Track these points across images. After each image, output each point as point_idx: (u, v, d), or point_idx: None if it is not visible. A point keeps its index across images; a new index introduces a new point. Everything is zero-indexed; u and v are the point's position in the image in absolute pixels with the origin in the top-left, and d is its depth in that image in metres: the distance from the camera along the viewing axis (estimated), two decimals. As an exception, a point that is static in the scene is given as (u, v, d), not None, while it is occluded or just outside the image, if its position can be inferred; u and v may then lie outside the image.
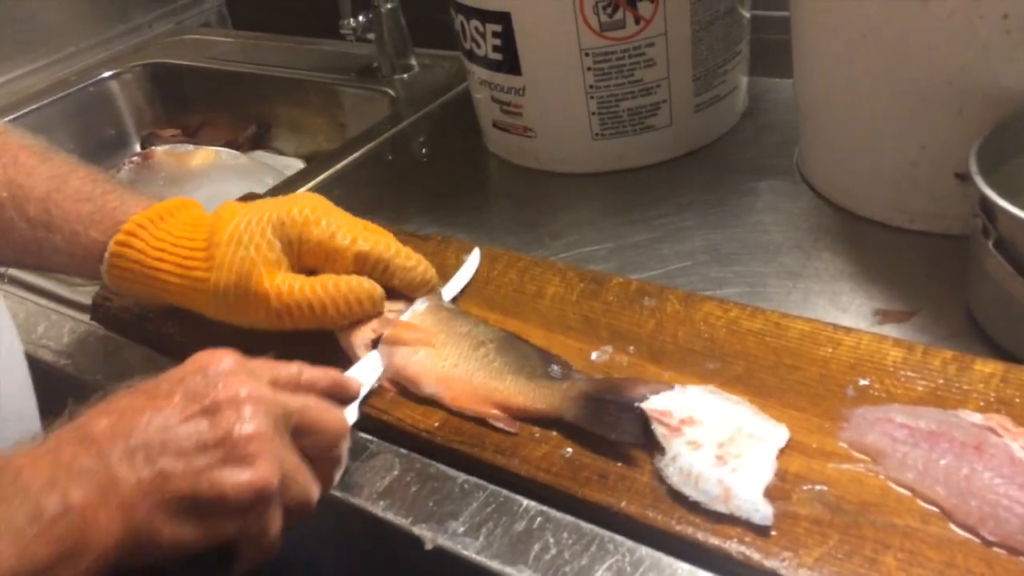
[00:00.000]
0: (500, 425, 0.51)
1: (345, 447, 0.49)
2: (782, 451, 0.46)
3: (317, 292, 0.55)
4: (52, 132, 1.20)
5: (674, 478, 0.45)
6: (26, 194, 0.58)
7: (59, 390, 0.70)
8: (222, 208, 0.58)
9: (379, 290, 0.57)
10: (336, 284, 0.55)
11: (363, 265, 0.56)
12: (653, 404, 0.48)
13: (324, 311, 0.55)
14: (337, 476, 0.49)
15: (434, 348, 0.55)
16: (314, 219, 0.56)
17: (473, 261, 0.65)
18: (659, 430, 0.48)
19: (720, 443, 0.46)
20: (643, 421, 0.48)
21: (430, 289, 0.59)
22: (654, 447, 0.47)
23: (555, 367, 0.54)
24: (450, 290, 0.62)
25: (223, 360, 0.44)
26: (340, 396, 0.50)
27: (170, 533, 0.40)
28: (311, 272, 0.57)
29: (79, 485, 0.38)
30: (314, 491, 0.45)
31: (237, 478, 0.41)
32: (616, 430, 0.48)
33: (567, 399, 0.50)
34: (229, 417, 0.42)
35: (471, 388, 0.53)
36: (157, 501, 0.40)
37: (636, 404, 0.48)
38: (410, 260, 0.58)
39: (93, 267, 0.58)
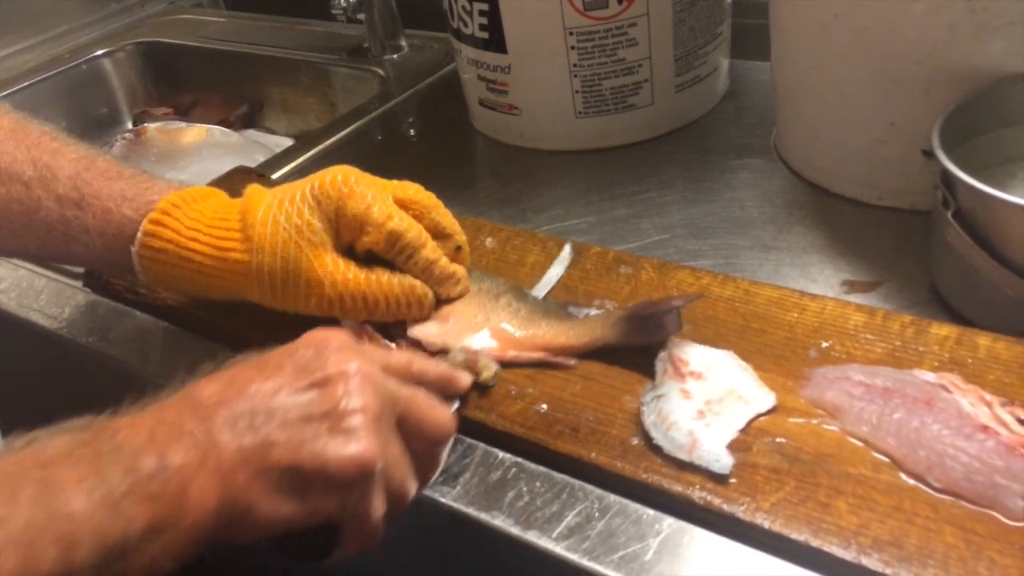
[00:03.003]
0: (560, 361, 0.53)
1: (446, 448, 0.47)
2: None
3: (372, 286, 0.54)
4: (45, 109, 1.21)
5: (649, 417, 0.48)
6: (54, 173, 0.56)
7: (56, 355, 0.72)
8: (250, 189, 0.57)
9: (431, 295, 0.56)
10: (390, 281, 0.54)
11: (393, 245, 0.54)
12: (677, 348, 0.52)
13: (376, 305, 0.54)
14: (432, 478, 0.47)
15: (457, 313, 0.56)
16: (348, 191, 0.54)
17: (563, 260, 0.63)
18: (663, 366, 0.51)
19: (708, 400, 0.49)
20: (680, 316, 0.52)
21: (455, 283, 0.57)
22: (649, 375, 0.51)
23: (572, 307, 0.57)
24: (540, 290, 0.61)
25: (336, 338, 0.44)
26: (448, 390, 0.49)
27: (269, 506, 0.39)
28: (350, 246, 0.55)
29: (178, 446, 0.38)
30: (411, 486, 0.44)
31: (340, 450, 0.39)
32: (661, 331, 0.52)
33: (607, 327, 0.53)
34: (337, 390, 0.41)
35: (512, 338, 0.55)
36: (257, 470, 0.39)
37: (674, 306, 0.52)
38: (434, 253, 0.56)
39: (124, 249, 0.56)
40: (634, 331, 0.53)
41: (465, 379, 0.51)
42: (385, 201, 0.55)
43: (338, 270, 0.53)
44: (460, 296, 0.58)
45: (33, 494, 0.34)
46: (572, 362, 0.53)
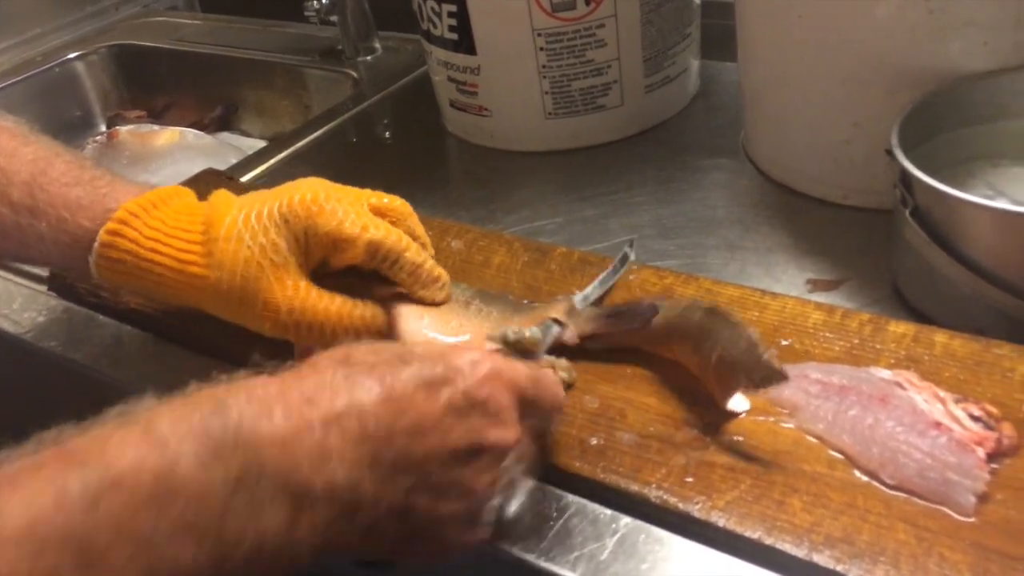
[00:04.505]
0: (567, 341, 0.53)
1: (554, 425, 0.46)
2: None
3: (331, 316, 0.52)
4: (17, 113, 1.17)
5: None
6: (9, 178, 0.54)
7: (23, 361, 0.72)
8: (216, 197, 0.55)
9: (385, 328, 0.54)
10: (351, 313, 0.53)
11: (374, 255, 0.53)
12: None
13: (333, 337, 0.52)
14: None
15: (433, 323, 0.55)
16: (317, 209, 0.52)
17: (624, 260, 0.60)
18: None
19: None
20: (654, 307, 0.52)
21: (441, 287, 0.56)
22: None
23: (537, 303, 0.57)
24: (590, 294, 0.57)
25: (505, 393, 0.41)
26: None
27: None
28: (321, 263, 0.54)
29: (332, 482, 0.36)
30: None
31: (464, 539, 0.41)
32: (637, 317, 0.52)
33: (589, 320, 0.54)
34: (485, 479, 0.40)
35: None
36: (389, 518, 0.38)
37: (650, 302, 0.53)
38: (419, 256, 0.54)
39: (81, 257, 0.54)
40: (614, 320, 0.53)
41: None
42: (359, 212, 0.53)
43: (297, 295, 0.52)
44: (444, 302, 0.56)
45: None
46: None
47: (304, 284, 0.52)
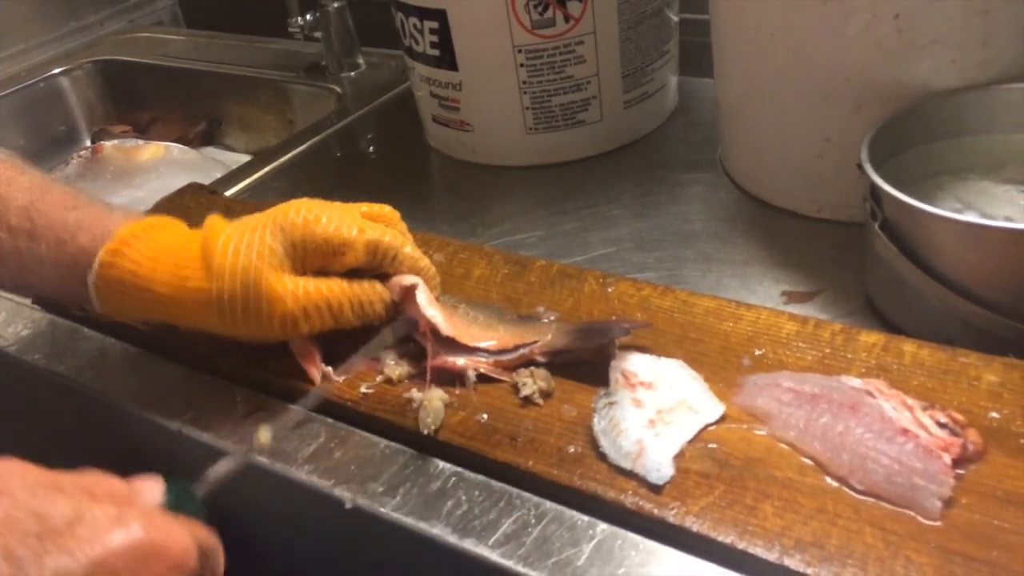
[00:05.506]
0: (536, 358, 0.55)
1: None
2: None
3: (335, 291, 0.54)
4: (2, 128, 1.21)
5: (599, 424, 0.49)
6: (6, 204, 0.55)
7: (4, 374, 0.72)
8: (210, 220, 0.56)
9: (388, 294, 0.56)
10: (351, 285, 0.55)
11: (374, 254, 0.55)
12: (625, 361, 0.53)
13: (341, 310, 0.54)
14: None
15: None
16: (313, 218, 0.54)
17: None
18: (616, 375, 0.52)
19: (660, 410, 0.50)
20: (626, 328, 0.54)
21: (435, 284, 0.59)
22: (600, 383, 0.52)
23: (519, 316, 0.59)
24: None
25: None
26: None
27: None
28: (319, 272, 0.55)
29: None
30: None
31: None
32: (606, 335, 0.54)
33: (560, 333, 0.55)
34: None
35: (473, 341, 0.56)
36: None
37: (621, 325, 0.55)
38: (417, 250, 0.57)
39: (79, 279, 0.55)
40: (582, 337, 0.54)
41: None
42: (354, 218, 0.55)
43: (297, 286, 0.53)
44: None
45: None
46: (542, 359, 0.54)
47: (304, 277, 0.54)
